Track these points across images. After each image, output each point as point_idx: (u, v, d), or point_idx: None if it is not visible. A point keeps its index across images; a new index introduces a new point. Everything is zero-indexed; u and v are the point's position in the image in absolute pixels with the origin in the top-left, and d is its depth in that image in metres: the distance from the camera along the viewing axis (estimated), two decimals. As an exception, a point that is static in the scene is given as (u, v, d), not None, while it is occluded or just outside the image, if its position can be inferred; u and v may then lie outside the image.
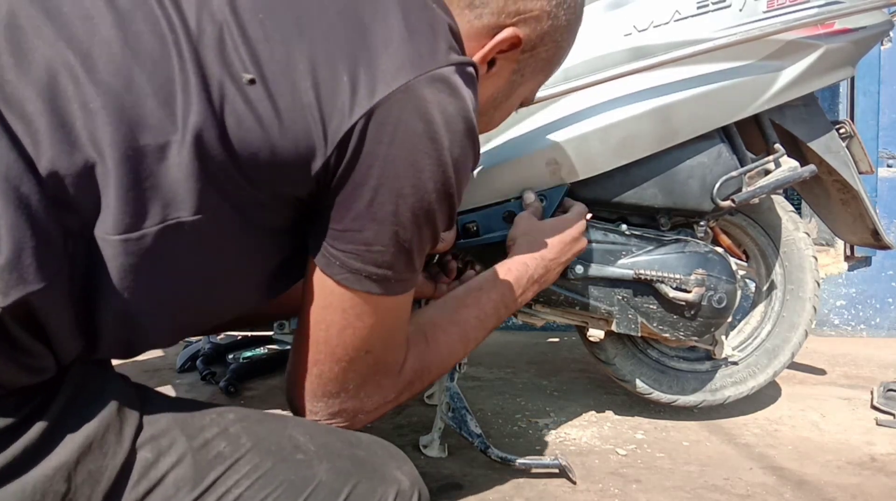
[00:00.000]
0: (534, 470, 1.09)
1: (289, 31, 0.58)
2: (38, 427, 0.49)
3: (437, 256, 1.11)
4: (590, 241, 1.14)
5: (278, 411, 0.73)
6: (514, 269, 0.94)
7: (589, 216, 1.13)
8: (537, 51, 0.76)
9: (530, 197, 1.10)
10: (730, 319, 1.23)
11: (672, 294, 1.13)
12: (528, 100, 0.87)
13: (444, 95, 0.60)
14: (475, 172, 1.13)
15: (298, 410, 0.69)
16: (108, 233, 0.52)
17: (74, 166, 0.50)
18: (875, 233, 1.36)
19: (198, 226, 0.55)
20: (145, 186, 0.52)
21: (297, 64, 0.57)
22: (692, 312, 1.15)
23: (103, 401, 0.54)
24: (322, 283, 0.64)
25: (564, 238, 1.01)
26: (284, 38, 0.57)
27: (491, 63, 0.74)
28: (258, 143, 0.55)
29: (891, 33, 1.61)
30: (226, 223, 0.57)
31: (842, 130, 1.32)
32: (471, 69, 0.64)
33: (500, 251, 1.17)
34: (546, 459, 1.08)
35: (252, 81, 0.55)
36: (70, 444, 0.50)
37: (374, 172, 0.58)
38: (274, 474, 0.58)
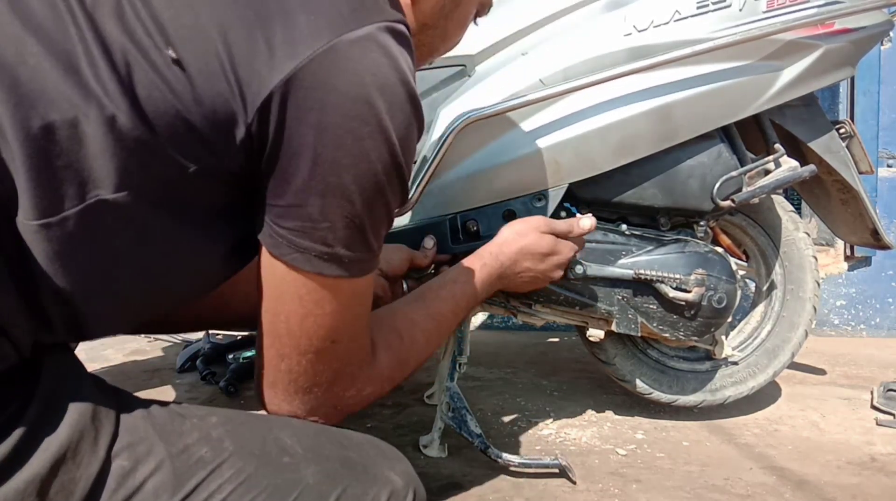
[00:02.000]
0: (534, 470, 1.09)
1: None
2: (11, 440, 0.48)
3: (414, 270, 1.10)
4: (589, 242, 1.14)
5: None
6: (489, 264, 0.94)
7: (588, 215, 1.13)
8: None
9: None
10: (730, 319, 1.23)
11: (672, 294, 1.13)
12: (483, 7, 0.81)
13: (376, 55, 0.56)
14: (475, 170, 1.13)
15: (276, 411, 0.66)
16: (26, 218, 0.49)
17: None
18: (875, 233, 1.36)
19: (123, 204, 0.52)
20: (58, 165, 0.49)
21: (206, 27, 0.53)
22: (692, 312, 1.15)
23: (77, 410, 0.52)
24: (273, 270, 0.60)
25: (547, 257, 0.99)
26: (190, 1, 0.54)
27: None
28: (173, 112, 0.52)
29: (891, 33, 1.61)
30: (156, 201, 0.54)
31: (842, 130, 1.32)
32: (402, 27, 0.60)
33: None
34: (546, 459, 1.08)
35: (176, 61, 0.52)
36: (42, 456, 0.49)
37: (307, 141, 0.54)
38: (258, 478, 0.56)
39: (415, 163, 1.14)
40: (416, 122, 0.61)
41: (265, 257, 0.60)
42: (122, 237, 0.54)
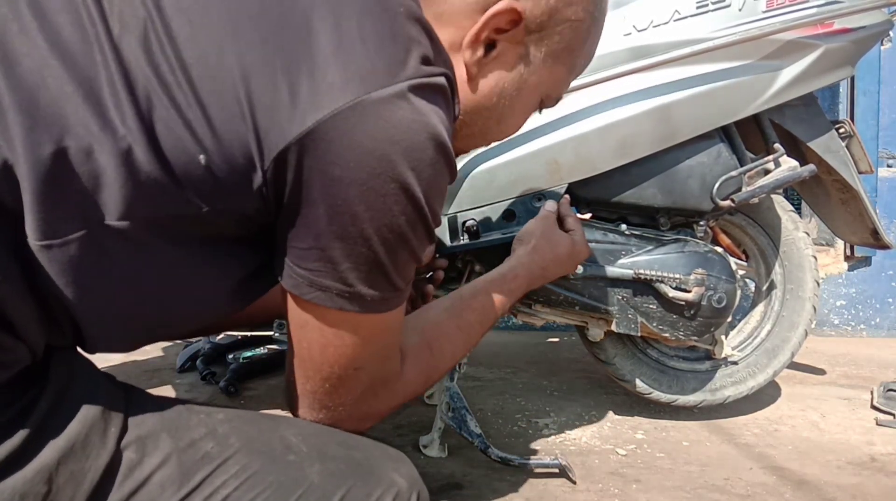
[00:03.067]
0: (534, 470, 1.09)
1: (220, 31, 0.52)
2: (22, 433, 0.48)
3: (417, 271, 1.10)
4: (589, 242, 1.14)
5: (277, 411, 0.72)
6: (522, 275, 0.93)
7: (589, 216, 1.13)
8: (547, 31, 0.65)
9: (552, 205, 1.06)
10: (729, 319, 1.23)
11: (672, 293, 1.13)
12: (550, 99, 0.75)
13: (404, 113, 0.53)
14: (475, 171, 1.13)
15: (303, 417, 0.67)
16: (31, 238, 0.49)
17: None
18: (875, 233, 1.36)
19: (127, 232, 0.51)
20: (66, 190, 0.48)
21: (230, 70, 0.51)
22: (692, 312, 1.15)
23: (87, 402, 0.53)
24: (295, 303, 0.60)
25: (570, 256, 1.01)
26: (215, 38, 0.52)
27: (490, 47, 0.64)
28: (191, 152, 0.51)
29: (891, 33, 1.61)
30: (163, 233, 0.54)
31: (841, 130, 1.32)
32: (439, 79, 0.57)
33: (500, 251, 1.17)
34: (546, 459, 1.08)
35: (202, 110, 0.51)
36: (52, 446, 0.49)
37: (328, 192, 0.53)
38: (263, 475, 0.56)
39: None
40: (448, 174, 0.59)
41: (289, 295, 0.60)
42: (124, 264, 0.53)
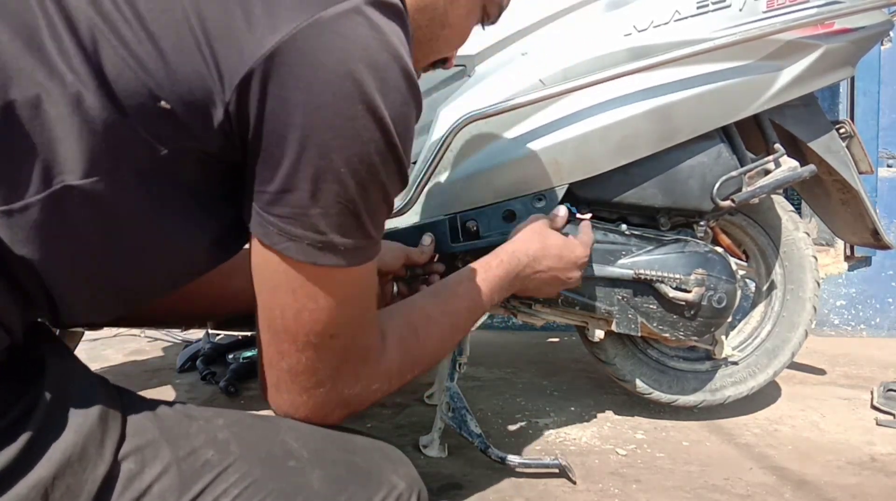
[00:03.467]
0: (534, 470, 1.09)
1: None
2: (16, 445, 0.47)
3: (413, 270, 1.09)
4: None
5: (270, 412, 0.72)
6: (507, 262, 0.89)
7: (589, 216, 1.13)
8: None
9: (562, 209, 1.04)
10: (730, 319, 1.23)
11: (672, 294, 1.13)
12: (492, 4, 0.76)
13: (364, 30, 0.51)
14: (475, 170, 1.13)
15: (279, 409, 0.63)
16: None
17: None
18: (875, 233, 1.36)
19: (92, 191, 0.49)
20: (20, 149, 0.46)
21: None
22: (692, 312, 1.15)
23: (83, 412, 0.51)
24: (266, 262, 0.56)
25: (566, 255, 0.96)
26: None
27: None
28: (144, 91, 0.48)
29: (891, 33, 1.61)
30: (128, 187, 0.51)
31: (842, 130, 1.32)
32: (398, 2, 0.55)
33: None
34: (546, 459, 1.08)
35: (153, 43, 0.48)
36: (48, 459, 0.48)
37: (293, 121, 0.50)
38: (263, 482, 0.55)
39: (414, 162, 1.14)
40: (414, 102, 0.56)
41: (256, 248, 0.57)
42: (91, 226, 0.51)
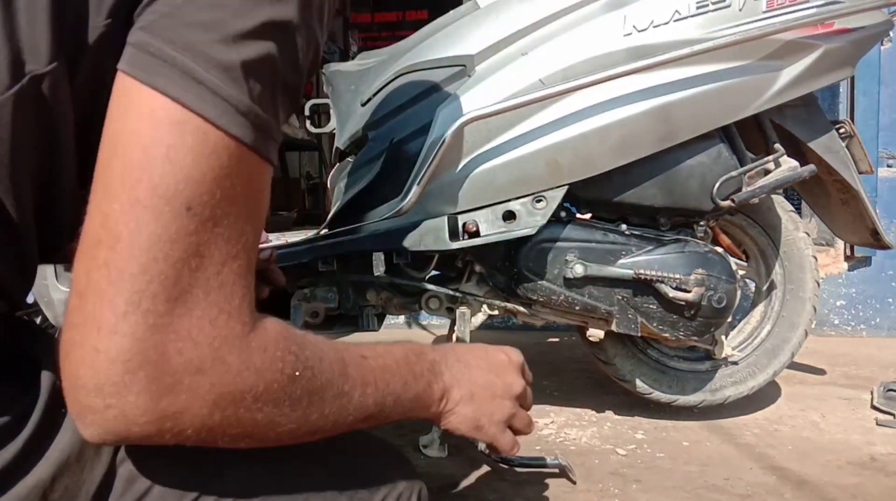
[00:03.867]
0: (534, 470, 1.09)
1: None
2: (15, 446, 0.45)
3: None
4: (589, 241, 1.14)
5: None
6: (428, 354, 0.63)
7: (589, 216, 1.13)
8: None
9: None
10: (730, 319, 1.23)
11: (672, 294, 1.13)
12: None
13: None
14: (475, 171, 1.13)
15: (73, 361, 0.40)
16: None
17: None
18: (875, 233, 1.36)
19: (60, 77, 0.42)
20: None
21: None
22: (692, 312, 1.15)
23: None
24: (122, 94, 0.41)
25: (493, 356, 0.73)
26: None
27: None
28: None
29: (891, 33, 1.61)
30: (92, 69, 0.43)
31: (842, 130, 1.32)
32: None
33: (499, 251, 1.17)
34: (546, 459, 1.08)
35: None
36: (47, 460, 0.46)
37: None
38: (265, 482, 0.54)
39: (414, 162, 1.14)
40: None
41: (116, 94, 0.41)
42: (65, 119, 0.44)
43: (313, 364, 0.49)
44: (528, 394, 0.76)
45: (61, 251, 0.49)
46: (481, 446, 1.08)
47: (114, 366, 0.39)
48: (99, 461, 0.50)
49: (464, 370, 0.67)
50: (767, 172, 1.22)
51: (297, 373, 0.47)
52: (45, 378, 0.51)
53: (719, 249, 1.22)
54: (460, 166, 1.13)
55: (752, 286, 1.45)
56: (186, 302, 0.40)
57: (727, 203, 1.17)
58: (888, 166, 2.26)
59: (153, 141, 0.39)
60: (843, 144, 1.30)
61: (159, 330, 0.39)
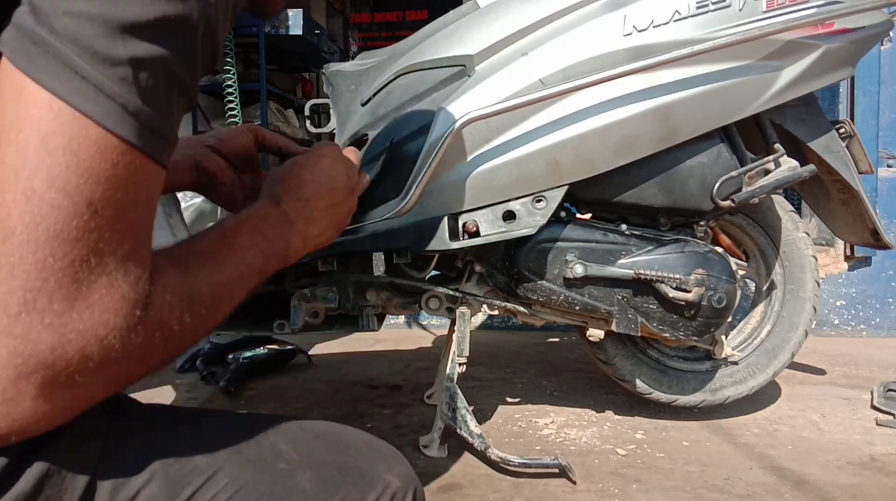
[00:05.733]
0: (534, 470, 1.09)
1: None
2: (7, 455, 0.44)
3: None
4: (589, 241, 1.14)
5: (279, 412, 0.71)
6: (261, 210, 0.67)
7: (589, 216, 1.13)
8: None
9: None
10: (730, 319, 1.23)
11: (672, 294, 1.13)
12: None
13: None
14: (475, 170, 1.13)
15: None
16: None
17: None
18: (875, 233, 1.36)
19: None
20: None
21: None
22: (692, 312, 1.15)
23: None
24: (10, 74, 0.38)
25: (325, 169, 0.74)
26: None
27: None
28: None
29: (891, 33, 1.61)
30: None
31: (842, 130, 1.32)
32: None
33: (499, 251, 1.17)
34: (546, 459, 1.08)
35: None
36: (28, 473, 0.44)
37: None
38: (254, 486, 0.54)
39: (413, 162, 1.14)
40: None
41: (4, 76, 0.38)
42: None
43: (193, 290, 0.50)
44: (354, 173, 0.79)
45: None
46: (482, 447, 1.08)
47: (5, 371, 0.37)
48: (85, 467, 0.49)
49: (305, 209, 0.71)
50: (767, 172, 1.23)
51: (189, 313, 0.48)
52: None
53: (719, 249, 1.22)
54: (460, 166, 1.13)
55: (752, 286, 1.45)
56: (88, 298, 0.39)
57: (727, 203, 1.17)
58: (888, 166, 2.26)
59: (51, 131, 0.37)
60: (843, 144, 1.30)
61: (57, 330, 0.38)
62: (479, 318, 1.24)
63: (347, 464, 0.60)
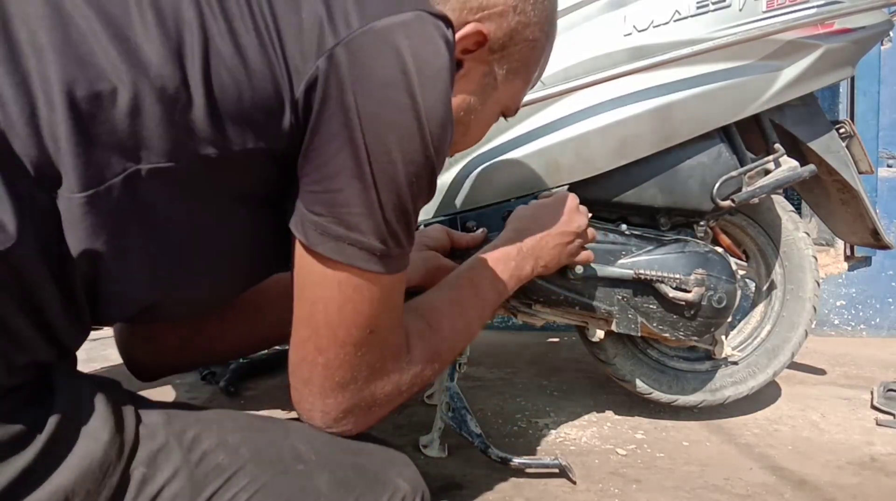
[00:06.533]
0: (534, 470, 1.09)
1: None
2: (34, 449, 0.47)
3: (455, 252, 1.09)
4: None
5: (277, 412, 0.72)
6: (500, 246, 0.90)
7: (588, 216, 1.12)
8: (508, 51, 0.71)
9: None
10: (730, 319, 1.23)
11: (672, 294, 1.13)
12: (510, 110, 0.81)
13: (417, 40, 0.55)
14: (475, 171, 1.13)
15: (308, 411, 0.63)
16: (71, 191, 0.48)
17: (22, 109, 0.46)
18: (875, 233, 1.36)
19: (165, 175, 0.51)
20: (106, 136, 0.48)
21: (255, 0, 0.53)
22: (692, 312, 1.15)
23: (99, 416, 0.51)
24: (309, 259, 0.58)
25: (554, 217, 0.96)
26: None
27: (458, 66, 0.68)
28: (230, 88, 0.51)
29: (891, 33, 1.61)
30: (197, 177, 0.53)
31: (842, 130, 1.32)
32: (445, 25, 0.58)
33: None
34: (546, 459, 1.08)
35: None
36: (69, 466, 0.48)
37: (344, 124, 0.53)
38: (273, 486, 0.56)
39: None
40: (450, 124, 0.60)
41: (298, 249, 0.59)
42: (161, 212, 0.53)
43: (437, 329, 0.73)
44: (584, 221, 1.00)
45: (104, 324, 0.61)
46: (482, 447, 1.08)
47: (350, 409, 0.63)
48: (119, 465, 0.50)
49: (537, 246, 0.93)
50: (767, 172, 1.23)
51: (434, 353, 0.71)
52: (60, 386, 0.51)
53: (719, 249, 1.22)
54: (460, 166, 1.13)
55: (752, 286, 1.45)
56: (380, 375, 0.64)
57: (727, 203, 1.17)
58: (888, 166, 2.26)
59: (344, 301, 0.59)
60: (843, 144, 1.30)
61: (361, 397, 0.63)
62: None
63: (362, 467, 0.61)
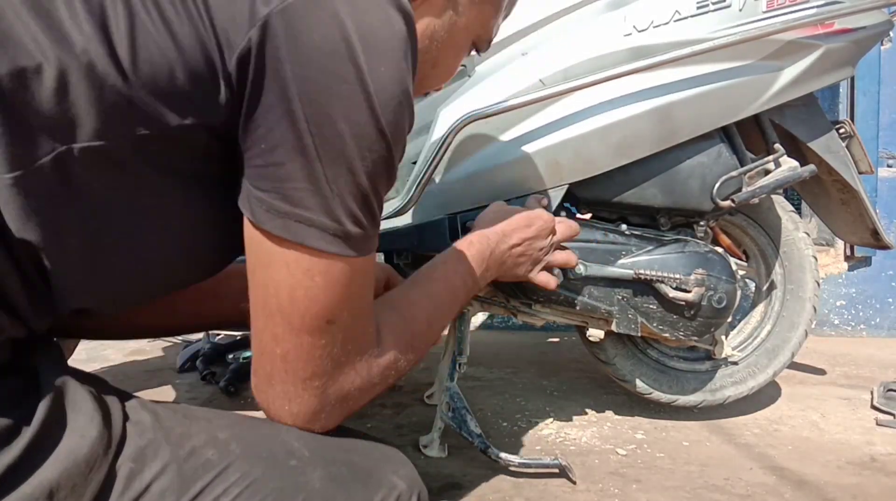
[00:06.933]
0: (534, 470, 1.09)
1: None
2: (20, 444, 0.47)
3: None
4: (589, 242, 1.14)
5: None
6: (477, 242, 0.89)
7: (589, 216, 1.13)
8: None
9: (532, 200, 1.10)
10: (730, 319, 1.23)
11: (672, 294, 1.13)
12: (482, 41, 0.76)
13: (361, 5, 0.52)
14: (475, 170, 1.13)
15: (277, 415, 0.60)
16: (1, 172, 0.46)
17: None
18: (875, 233, 1.36)
19: (99, 154, 0.49)
20: (31, 115, 0.46)
21: None
22: (692, 312, 1.15)
23: (85, 412, 0.51)
24: (257, 239, 0.55)
25: (534, 222, 0.96)
26: None
27: None
28: (157, 62, 0.49)
29: (891, 33, 1.61)
30: (134, 156, 0.51)
31: (842, 130, 1.32)
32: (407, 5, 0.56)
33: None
34: (546, 459, 1.08)
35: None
36: (54, 460, 0.48)
37: (281, 95, 0.51)
38: (264, 481, 0.55)
39: (413, 163, 1.14)
40: (407, 79, 0.56)
41: (247, 227, 0.56)
42: (99, 194, 0.51)
43: (411, 321, 0.71)
44: (551, 219, 1.00)
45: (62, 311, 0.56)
46: (482, 447, 1.08)
47: (315, 405, 0.60)
48: (105, 460, 0.50)
49: (504, 242, 0.93)
50: (767, 172, 1.23)
51: (407, 346, 0.68)
52: (46, 383, 0.51)
53: (719, 249, 1.22)
54: (460, 166, 1.13)
55: (752, 286, 1.45)
56: (347, 369, 0.61)
57: (727, 203, 1.17)
58: (888, 166, 2.26)
59: (294, 284, 0.55)
60: (843, 144, 1.30)
61: (329, 394, 0.59)
62: (479, 318, 1.24)
63: (356, 464, 0.61)
